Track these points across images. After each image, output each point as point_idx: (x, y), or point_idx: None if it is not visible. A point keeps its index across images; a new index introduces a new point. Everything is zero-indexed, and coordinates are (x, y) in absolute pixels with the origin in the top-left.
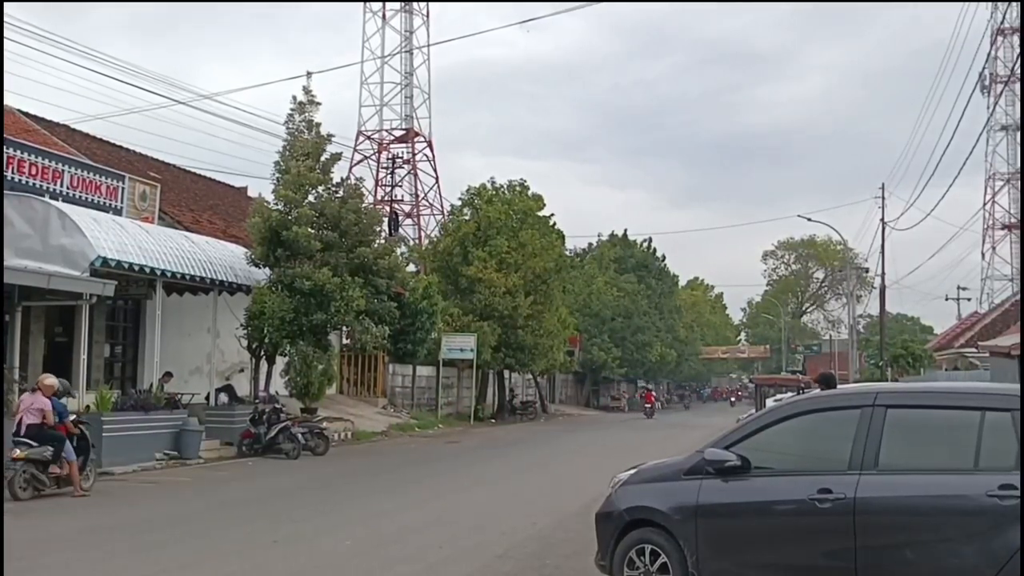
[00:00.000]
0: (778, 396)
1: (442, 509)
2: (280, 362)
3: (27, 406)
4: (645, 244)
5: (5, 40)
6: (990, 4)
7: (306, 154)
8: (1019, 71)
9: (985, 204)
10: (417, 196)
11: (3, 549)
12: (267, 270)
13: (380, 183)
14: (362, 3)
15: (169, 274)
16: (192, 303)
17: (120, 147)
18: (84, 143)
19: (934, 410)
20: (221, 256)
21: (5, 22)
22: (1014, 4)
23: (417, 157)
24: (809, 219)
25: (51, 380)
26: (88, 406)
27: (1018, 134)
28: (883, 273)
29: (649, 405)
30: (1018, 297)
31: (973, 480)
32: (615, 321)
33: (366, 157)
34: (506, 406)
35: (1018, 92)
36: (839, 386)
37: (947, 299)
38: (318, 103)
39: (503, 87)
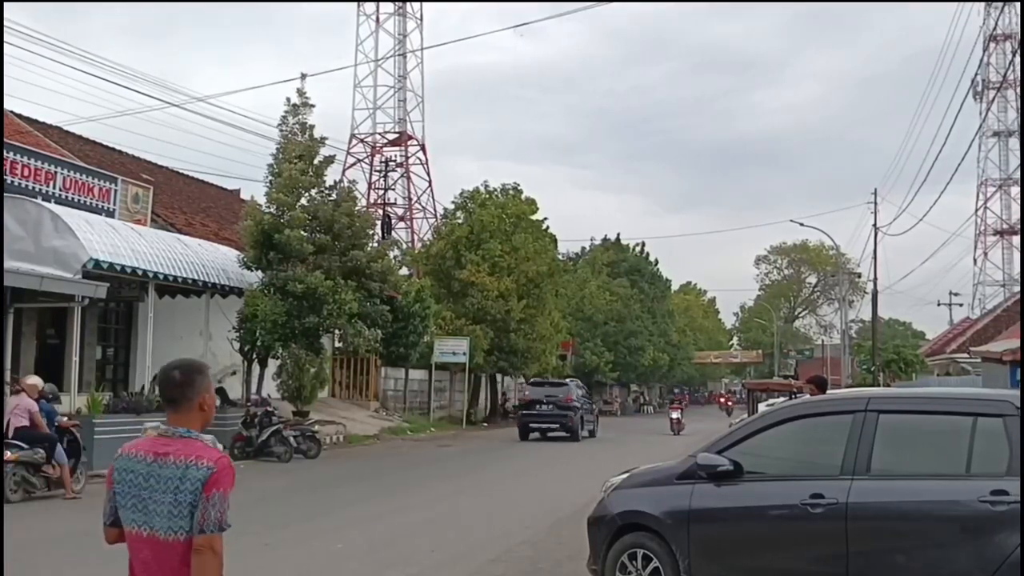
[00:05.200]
0: (771, 401)
1: (434, 513)
2: (272, 365)
3: (11, 408)
4: (638, 248)
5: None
6: (983, 11)
7: (299, 156)
8: (1013, 76)
9: (977, 210)
10: (410, 199)
11: (3, 550)
12: (259, 273)
13: (373, 186)
14: (356, 3)
15: (161, 276)
16: (184, 306)
17: (113, 149)
18: (77, 145)
19: (926, 415)
20: (213, 259)
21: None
22: (1008, 10)
23: (410, 160)
24: (802, 224)
25: (34, 380)
26: (80, 408)
27: (1010, 139)
28: (875, 278)
29: (730, 404)
30: (1011, 302)
31: (965, 485)
32: (608, 325)
33: (359, 160)
34: (499, 410)
35: (1010, 98)
36: (830, 391)
37: (939, 304)
38: (312, 105)
39: (498, 92)
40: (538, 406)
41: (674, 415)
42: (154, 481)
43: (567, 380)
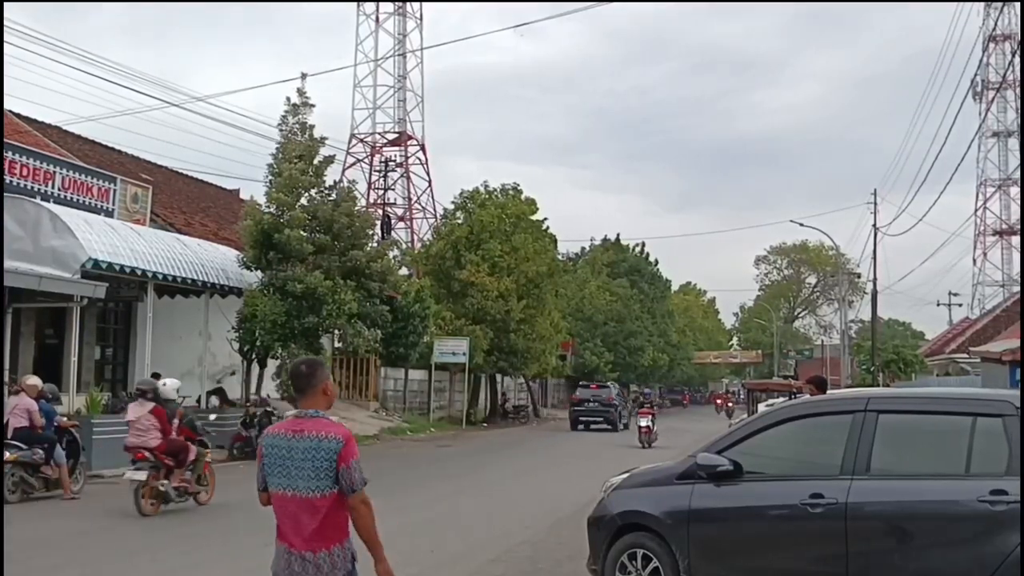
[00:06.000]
0: (770, 401)
1: (434, 513)
2: (272, 365)
3: (11, 409)
4: (638, 248)
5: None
6: (983, 11)
7: (299, 156)
8: (1013, 76)
9: (977, 210)
10: (410, 200)
11: (3, 550)
12: (259, 273)
13: (373, 186)
14: (356, 3)
15: (160, 276)
16: (184, 305)
17: (112, 149)
18: (76, 145)
19: (926, 415)
20: (213, 259)
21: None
22: (1007, 11)
23: (410, 160)
24: (801, 224)
25: (33, 380)
26: (79, 409)
27: (1009, 140)
28: (875, 278)
29: (730, 405)
30: (1010, 302)
31: (965, 485)
32: (607, 325)
33: (359, 160)
34: (498, 410)
35: (1010, 98)
36: (830, 391)
37: (939, 305)
38: (312, 105)
39: (498, 92)
40: (586, 404)
41: (643, 423)
42: (294, 452)
43: (608, 384)
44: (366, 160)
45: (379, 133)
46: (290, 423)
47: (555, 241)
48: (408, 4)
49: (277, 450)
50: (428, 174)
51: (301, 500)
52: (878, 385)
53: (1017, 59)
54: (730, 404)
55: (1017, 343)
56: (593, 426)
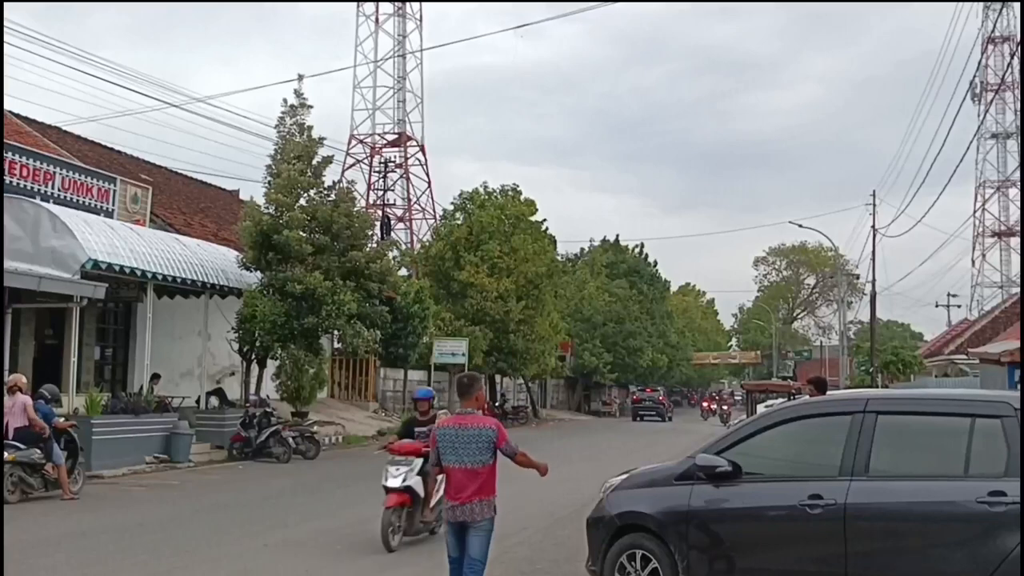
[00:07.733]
0: (769, 402)
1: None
2: (271, 366)
3: (8, 409)
4: (637, 249)
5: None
6: (982, 13)
7: (297, 157)
8: (1012, 78)
9: (975, 212)
10: (409, 200)
11: (3, 550)
12: (258, 273)
13: (372, 187)
14: (356, 4)
15: (160, 277)
16: (183, 306)
17: (112, 149)
18: (76, 145)
19: (924, 416)
20: (212, 259)
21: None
22: (1006, 12)
23: (409, 161)
24: (800, 225)
25: (24, 379)
26: (77, 409)
27: (1008, 141)
28: (874, 280)
29: (726, 408)
30: (1008, 304)
31: (963, 486)
32: (606, 326)
33: (358, 161)
34: (497, 411)
35: (1008, 100)
36: (829, 392)
37: (937, 306)
38: (309, 106)
39: (498, 93)
40: (643, 402)
41: (393, 476)
42: (460, 438)
43: (659, 388)
44: (366, 161)
45: (379, 134)
46: (455, 419)
47: (554, 242)
48: (408, 5)
49: (448, 437)
50: (427, 175)
51: (466, 470)
52: (877, 386)
53: (1016, 61)
54: (725, 407)
55: (1016, 344)
56: (647, 418)
